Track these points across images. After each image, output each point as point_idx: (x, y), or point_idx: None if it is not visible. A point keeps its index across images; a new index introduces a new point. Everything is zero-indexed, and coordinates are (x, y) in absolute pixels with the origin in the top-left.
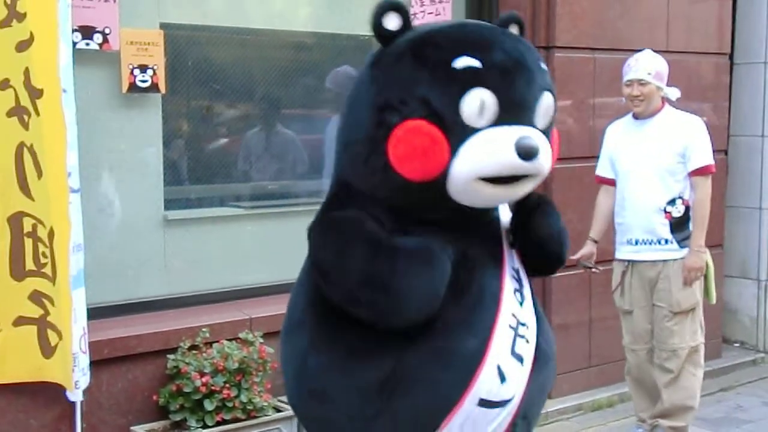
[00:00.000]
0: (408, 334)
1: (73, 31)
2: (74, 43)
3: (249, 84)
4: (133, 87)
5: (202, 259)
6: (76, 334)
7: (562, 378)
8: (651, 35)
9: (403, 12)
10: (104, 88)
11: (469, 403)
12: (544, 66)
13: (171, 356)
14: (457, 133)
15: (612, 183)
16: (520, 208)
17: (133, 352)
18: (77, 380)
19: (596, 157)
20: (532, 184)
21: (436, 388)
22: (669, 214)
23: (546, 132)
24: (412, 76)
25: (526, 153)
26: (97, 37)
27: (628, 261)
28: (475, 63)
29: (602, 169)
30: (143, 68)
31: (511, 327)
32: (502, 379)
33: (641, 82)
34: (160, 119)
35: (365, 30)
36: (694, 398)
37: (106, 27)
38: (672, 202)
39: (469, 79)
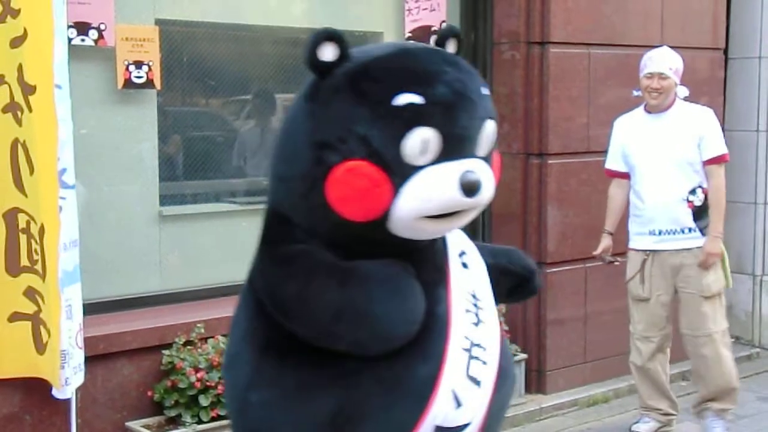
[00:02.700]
0: (357, 364)
1: (69, 27)
2: (69, 39)
3: (244, 80)
4: (128, 83)
5: (198, 255)
6: (72, 330)
7: (558, 373)
8: (646, 30)
9: (340, 41)
10: (99, 84)
11: (424, 431)
12: (486, 91)
13: (166, 352)
14: (399, 172)
15: (625, 176)
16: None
17: (128, 347)
18: (67, 377)
19: (591, 153)
20: (474, 215)
21: (390, 419)
22: (691, 203)
23: (487, 158)
24: (351, 114)
25: (470, 189)
26: (93, 33)
27: (650, 251)
28: (416, 99)
29: (614, 163)
30: (138, 64)
31: (464, 350)
32: (458, 404)
33: (662, 76)
34: (155, 115)
35: (360, 26)
36: (737, 378)
37: (102, 23)
38: (693, 191)
39: (412, 118)
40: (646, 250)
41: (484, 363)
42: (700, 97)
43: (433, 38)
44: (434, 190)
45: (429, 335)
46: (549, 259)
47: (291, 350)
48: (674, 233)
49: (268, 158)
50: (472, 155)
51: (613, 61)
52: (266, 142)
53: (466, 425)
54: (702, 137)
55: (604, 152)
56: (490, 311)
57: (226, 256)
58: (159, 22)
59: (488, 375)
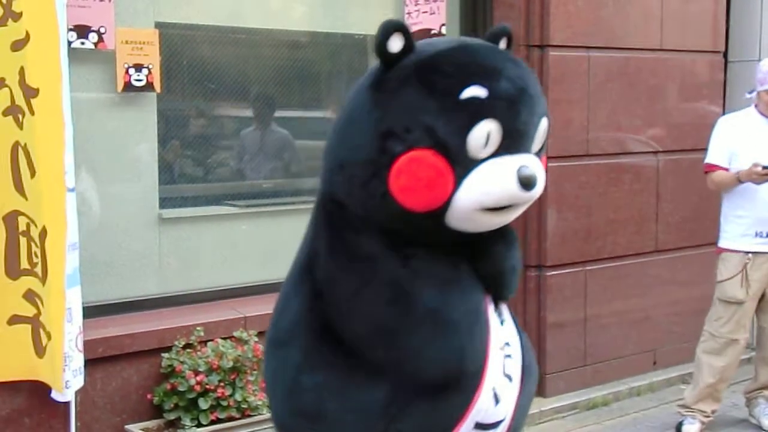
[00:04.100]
0: None
1: (69, 30)
2: (69, 43)
3: (244, 83)
4: (128, 86)
5: (197, 258)
6: (71, 334)
7: (558, 376)
8: (645, 33)
9: (407, 33)
10: (99, 87)
11: (466, 427)
12: (541, 91)
13: (165, 355)
14: (462, 164)
15: (726, 171)
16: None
17: (127, 350)
18: (68, 380)
19: (591, 156)
20: (524, 208)
21: (438, 412)
22: None
23: (538, 154)
24: (418, 104)
25: (528, 183)
26: (93, 37)
27: (753, 252)
28: (482, 93)
29: (719, 159)
30: (138, 67)
31: (500, 348)
32: (497, 401)
33: None
34: (155, 118)
35: (360, 29)
36: None
37: (102, 26)
38: None
39: (478, 111)
40: (749, 252)
41: (513, 359)
42: (700, 100)
43: (485, 35)
44: (494, 184)
45: (477, 331)
46: (548, 262)
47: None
48: None
49: (268, 161)
50: (527, 151)
51: (613, 64)
52: (266, 145)
53: (501, 421)
54: None
55: (605, 155)
56: (506, 309)
57: (226, 259)
58: (159, 26)
59: (517, 370)
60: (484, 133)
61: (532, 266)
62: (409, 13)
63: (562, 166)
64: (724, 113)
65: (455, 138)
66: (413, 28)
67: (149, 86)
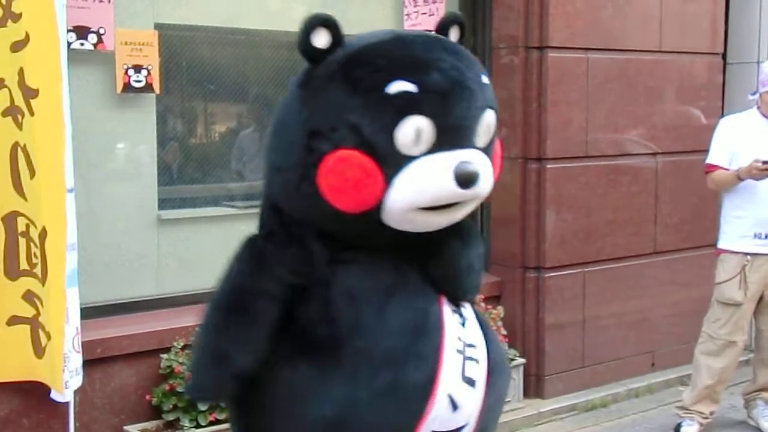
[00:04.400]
0: (354, 368)
1: (68, 31)
2: (69, 43)
3: (243, 84)
4: (127, 87)
5: (196, 259)
6: (69, 334)
7: (556, 378)
8: (644, 35)
9: (334, 27)
10: (99, 88)
11: None
12: (485, 80)
13: (164, 356)
14: (392, 162)
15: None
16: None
17: (126, 351)
18: (67, 381)
19: (590, 157)
20: (472, 206)
21: (387, 426)
22: None
23: (487, 149)
24: (343, 102)
25: (466, 180)
26: (92, 38)
27: (752, 254)
28: (410, 87)
29: (721, 160)
30: (138, 68)
31: (458, 351)
32: (455, 407)
33: None
34: (154, 119)
35: (359, 30)
36: None
37: (101, 27)
38: None
39: (405, 106)
40: (747, 253)
41: (477, 362)
42: (699, 102)
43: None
44: (428, 181)
45: (425, 336)
46: (547, 264)
47: (294, 354)
48: None
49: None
50: (469, 146)
51: (612, 66)
52: (265, 146)
53: (462, 427)
54: None
55: (603, 156)
56: (470, 309)
57: (225, 259)
58: (158, 27)
59: (481, 373)
60: (413, 129)
61: (531, 268)
62: (408, 15)
63: (561, 168)
64: (722, 115)
65: (381, 136)
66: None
67: (148, 87)
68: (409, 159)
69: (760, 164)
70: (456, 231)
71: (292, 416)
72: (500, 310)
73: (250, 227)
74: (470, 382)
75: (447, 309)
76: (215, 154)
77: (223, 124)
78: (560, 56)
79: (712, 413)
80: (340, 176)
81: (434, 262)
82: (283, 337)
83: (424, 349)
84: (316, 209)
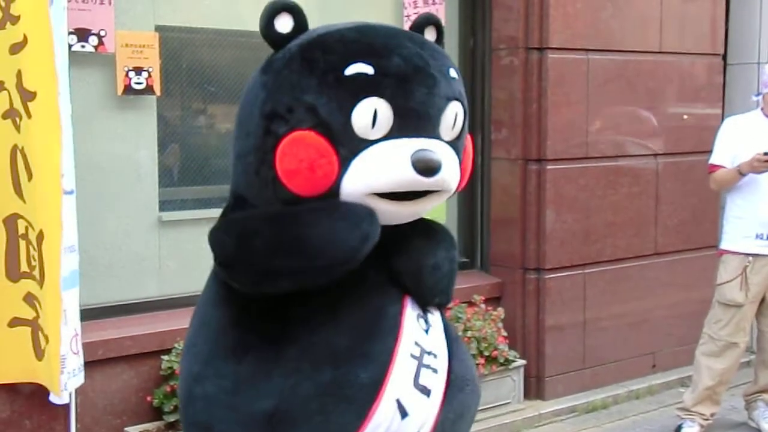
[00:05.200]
0: (299, 363)
1: (69, 33)
2: (69, 46)
3: (243, 86)
4: (128, 89)
5: (197, 261)
6: (66, 336)
7: (557, 379)
8: (644, 36)
9: (296, 13)
10: (99, 91)
11: None
12: (454, 74)
13: (165, 357)
14: (348, 145)
15: None
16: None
17: (127, 353)
18: (65, 383)
19: (590, 158)
20: (438, 200)
21: (327, 425)
22: None
23: (455, 144)
24: (300, 83)
25: (425, 167)
26: (93, 40)
27: (754, 255)
28: (367, 69)
29: (724, 160)
30: (138, 70)
31: (413, 356)
32: (403, 414)
33: None
34: (155, 121)
35: None
36: None
37: (102, 29)
38: None
39: (361, 87)
40: (749, 254)
41: (435, 371)
42: (699, 103)
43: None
44: (384, 165)
45: (378, 336)
46: (547, 265)
47: (240, 346)
48: None
49: None
50: (432, 136)
51: (612, 67)
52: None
53: None
54: None
55: (603, 158)
56: (438, 317)
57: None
58: (159, 29)
59: (438, 384)
60: (370, 111)
61: (531, 269)
62: (408, 16)
63: (561, 169)
64: (723, 116)
65: (337, 116)
66: None
67: (149, 89)
68: (367, 143)
69: (761, 155)
70: (424, 228)
71: (232, 408)
72: (500, 312)
73: None
74: (424, 390)
75: (410, 312)
76: (216, 156)
77: (224, 125)
78: (560, 57)
79: (712, 415)
80: (295, 157)
81: (397, 256)
82: (231, 331)
83: (373, 349)
84: (276, 195)
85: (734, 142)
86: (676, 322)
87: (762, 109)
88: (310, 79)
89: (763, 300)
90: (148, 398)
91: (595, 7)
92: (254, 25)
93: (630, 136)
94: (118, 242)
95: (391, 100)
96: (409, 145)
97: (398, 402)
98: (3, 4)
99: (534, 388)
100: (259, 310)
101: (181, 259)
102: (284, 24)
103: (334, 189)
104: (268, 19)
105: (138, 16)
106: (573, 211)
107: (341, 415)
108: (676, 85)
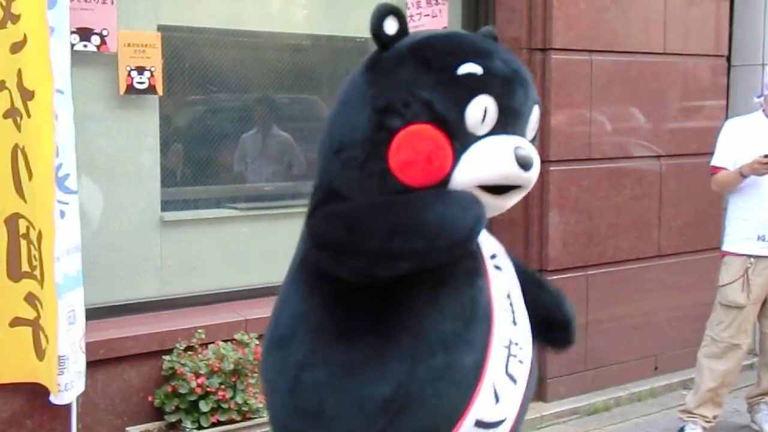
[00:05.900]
0: (413, 349)
1: (71, 33)
2: (72, 45)
3: (246, 86)
4: (130, 89)
5: (199, 261)
6: (75, 336)
7: (558, 381)
8: (648, 37)
9: (401, 17)
10: (102, 90)
11: (467, 424)
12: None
13: (166, 357)
14: (461, 139)
15: None
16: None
17: (128, 353)
18: (67, 382)
19: (593, 160)
20: (520, 196)
21: (440, 408)
22: None
23: (532, 143)
24: (416, 79)
25: (525, 163)
26: (95, 39)
27: (755, 256)
28: (478, 69)
29: (725, 162)
30: (141, 70)
31: (504, 346)
32: (497, 399)
33: None
34: (157, 121)
35: (362, 32)
36: None
37: (104, 29)
38: None
39: (474, 86)
40: (751, 256)
41: (521, 362)
42: (703, 104)
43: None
44: (493, 159)
45: (474, 324)
46: (550, 267)
47: (346, 333)
48: None
49: (269, 164)
50: (523, 134)
51: (615, 68)
52: (268, 147)
53: (501, 421)
54: None
55: (606, 159)
56: (524, 313)
57: (228, 261)
58: (161, 28)
59: (524, 374)
60: (482, 107)
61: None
62: (411, 17)
63: (564, 170)
64: (726, 117)
65: (453, 112)
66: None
67: (151, 89)
68: (475, 138)
69: (762, 158)
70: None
71: (345, 393)
72: None
73: (252, 229)
74: (512, 378)
75: (499, 303)
76: (218, 156)
77: (226, 125)
78: (564, 58)
79: (715, 417)
80: (413, 149)
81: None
82: (332, 318)
83: (474, 337)
84: (381, 187)
85: (736, 143)
86: (678, 324)
87: (764, 110)
88: (426, 76)
89: (765, 302)
90: (150, 398)
91: (599, 8)
92: (256, 26)
93: (633, 138)
94: (119, 242)
95: (498, 97)
96: (511, 142)
97: (494, 387)
98: (4, 3)
99: (536, 390)
100: (357, 299)
101: (183, 259)
102: (391, 26)
103: (446, 180)
104: (379, 20)
105: (140, 16)
106: (576, 212)
107: (452, 398)
108: (680, 87)
